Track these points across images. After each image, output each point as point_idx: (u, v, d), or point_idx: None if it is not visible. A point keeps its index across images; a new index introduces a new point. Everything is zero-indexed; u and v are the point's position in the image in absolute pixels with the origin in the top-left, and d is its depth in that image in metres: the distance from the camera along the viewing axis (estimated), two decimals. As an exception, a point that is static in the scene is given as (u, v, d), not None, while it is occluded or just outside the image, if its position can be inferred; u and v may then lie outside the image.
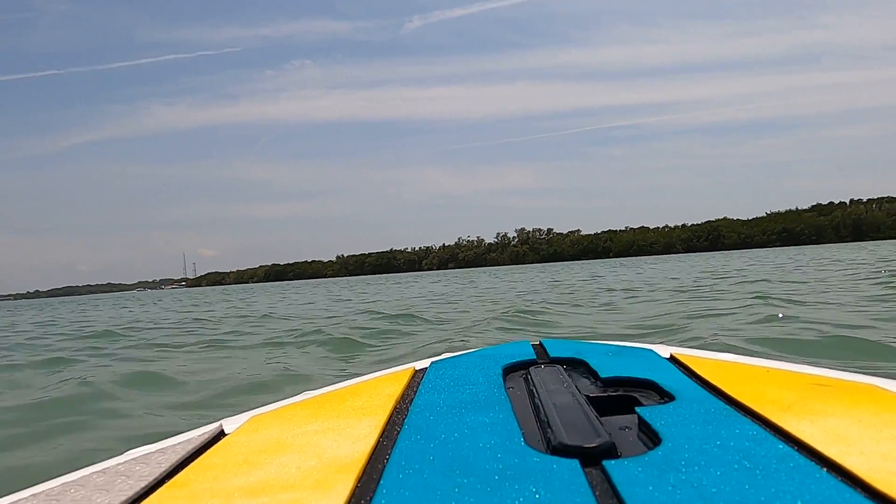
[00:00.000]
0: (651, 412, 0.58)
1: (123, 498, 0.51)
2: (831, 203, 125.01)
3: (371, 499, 0.45)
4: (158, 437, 0.76)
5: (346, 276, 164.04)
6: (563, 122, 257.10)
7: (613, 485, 0.44)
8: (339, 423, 0.64)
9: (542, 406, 0.64)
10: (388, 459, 0.52)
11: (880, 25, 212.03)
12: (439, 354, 1.04)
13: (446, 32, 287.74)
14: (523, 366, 0.86)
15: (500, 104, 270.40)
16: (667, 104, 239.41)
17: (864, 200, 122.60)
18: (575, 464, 0.47)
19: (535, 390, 0.71)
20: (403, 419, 0.63)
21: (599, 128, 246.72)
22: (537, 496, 0.43)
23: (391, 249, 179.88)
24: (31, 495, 0.56)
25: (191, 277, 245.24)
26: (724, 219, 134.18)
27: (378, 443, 0.57)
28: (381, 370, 1.01)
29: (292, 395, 0.91)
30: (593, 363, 0.81)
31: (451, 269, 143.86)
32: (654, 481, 0.43)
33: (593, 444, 0.51)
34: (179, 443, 0.67)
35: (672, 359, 0.85)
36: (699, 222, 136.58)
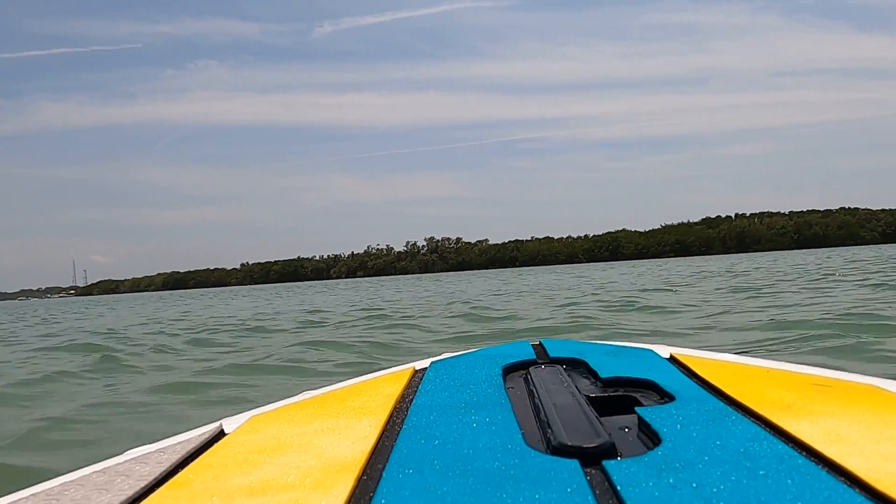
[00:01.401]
0: (651, 412, 0.58)
1: (123, 497, 0.51)
2: (719, 217, 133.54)
3: (371, 499, 0.45)
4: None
5: (250, 284, 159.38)
6: (472, 133, 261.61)
7: (613, 485, 0.44)
8: (339, 422, 0.64)
9: (542, 406, 0.63)
10: (388, 459, 0.52)
11: (762, 54, 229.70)
12: (439, 354, 1.04)
13: (357, 39, 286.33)
14: (523, 366, 0.86)
15: (411, 113, 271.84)
16: (571, 119, 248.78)
17: (748, 215, 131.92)
18: (575, 464, 0.47)
19: (535, 390, 0.71)
20: (403, 419, 0.63)
21: (507, 140, 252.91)
22: (537, 496, 0.43)
23: (298, 257, 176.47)
24: (31, 495, 0.56)
25: (81, 286, 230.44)
26: (623, 230, 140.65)
27: (378, 443, 0.57)
28: (381, 370, 1.01)
29: (292, 395, 0.91)
30: (593, 363, 0.80)
31: (360, 277, 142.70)
32: (654, 481, 0.43)
33: (593, 445, 0.51)
34: (179, 442, 0.67)
35: (672, 359, 0.85)
36: (600, 233, 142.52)
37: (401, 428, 0.60)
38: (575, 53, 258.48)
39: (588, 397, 0.67)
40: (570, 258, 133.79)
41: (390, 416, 0.65)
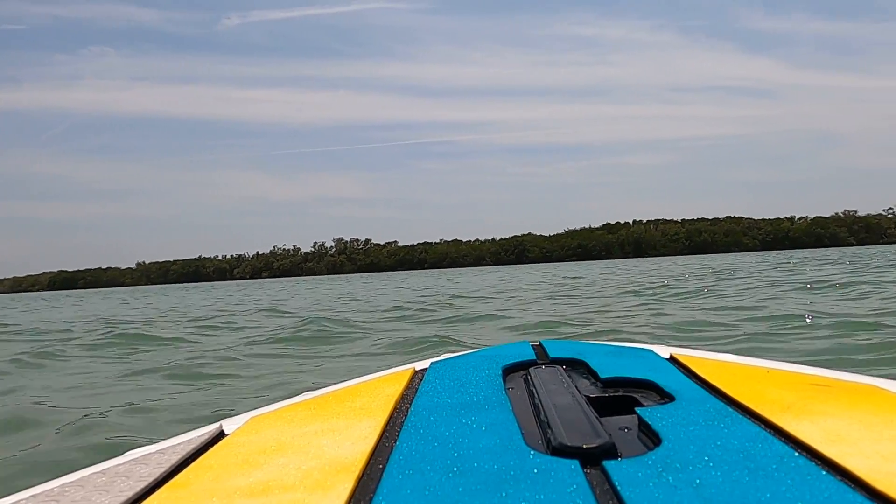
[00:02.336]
0: (651, 413, 0.58)
1: (123, 498, 0.51)
2: (618, 223, 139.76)
3: (371, 499, 0.45)
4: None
5: (147, 284, 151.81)
6: (383, 134, 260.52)
7: (613, 485, 0.44)
8: (339, 423, 0.64)
9: (542, 406, 0.63)
10: (388, 460, 0.52)
11: (660, 69, 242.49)
12: (439, 355, 1.03)
13: (267, 34, 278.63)
14: (523, 366, 0.85)
15: (322, 111, 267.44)
16: (481, 123, 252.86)
17: (644, 221, 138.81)
18: (575, 464, 0.47)
19: (535, 391, 0.71)
20: (403, 420, 0.63)
21: (419, 142, 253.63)
22: (537, 497, 0.42)
23: (200, 257, 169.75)
24: (31, 496, 0.56)
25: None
26: (529, 234, 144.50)
27: (378, 443, 0.57)
28: (381, 371, 1.01)
29: (292, 396, 0.91)
30: (593, 364, 0.80)
31: (264, 278, 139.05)
32: (655, 482, 0.43)
33: (593, 445, 0.51)
34: (179, 443, 0.67)
35: (672, 359, 0.85)
36: (507, 237, 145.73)
37: (401, 428, 0.60)
38: (485, 59, 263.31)
39: (588, 398, 0.67)
40: (478, 261, 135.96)
41: (390, 417, 0.65)
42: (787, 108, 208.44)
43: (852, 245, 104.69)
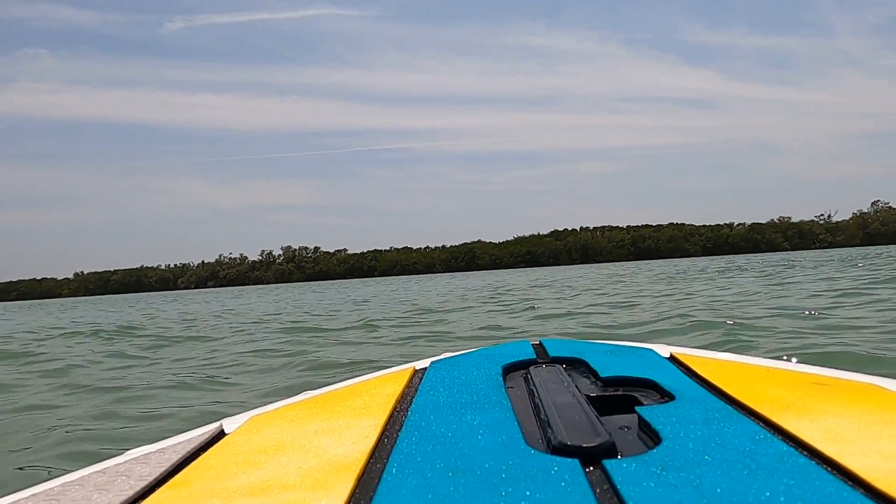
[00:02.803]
0: (651, 412, 0.58)
1: (123, 498, 0.51)
2: (566, 230, 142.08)
3: (371, 498, 0.45)
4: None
5: (86, 295, 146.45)
6: (334, 141, 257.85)
7: (614, 484, 0.44)
8: (339, 422, 0.64)
9: (543, 406, 0.63)
10: (388, 459, 0.52)
11: (607, 80, 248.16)
12: (439, 354, 1.04)
13: (213, 38, 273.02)
14: (523, 365, 0.85)
15: (271, 118, 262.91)
16: (432, 131, 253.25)
17: (591, 228, 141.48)
18: (575, 463, 0.47)
19: (535, 390, 0.71)
20: (403, 419, 0.63)
21: (370, 149, 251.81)
22: (538, 496, 0.42)
23: (142, 266, 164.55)
24: (31, 495, 0.56)
25: None
26: (479, 241, 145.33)
27: (378, 442, 0.57)
28: (381, 370, 1.01)
29: (292, 396, 0.90)
30: (593, 363, 0.80)
31: (210, 287, 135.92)
32: (655, 481, 0.43)
33: (593, 444, 0.51)
34: (179, 442, 0.67)
35: (672, 358, 0.85)
36: (457, 244, 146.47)
37: (401, 428, 0.60)
38: (436, 67, 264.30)
39: (588, 397, 0.67)
40: (428, 268, 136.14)
41: (390, 416, 0.65)
42: (728, 119, 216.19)
43: (787, 250, 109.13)
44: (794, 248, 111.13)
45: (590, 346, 0.95)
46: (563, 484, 0.44)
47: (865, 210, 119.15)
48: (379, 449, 0.56)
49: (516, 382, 0.78)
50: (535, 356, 0.88)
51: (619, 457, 0.49)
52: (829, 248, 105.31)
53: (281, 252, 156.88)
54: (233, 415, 0.78)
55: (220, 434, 0.69)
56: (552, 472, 0.46)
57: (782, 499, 0.40)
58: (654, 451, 0.49)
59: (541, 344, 0.97)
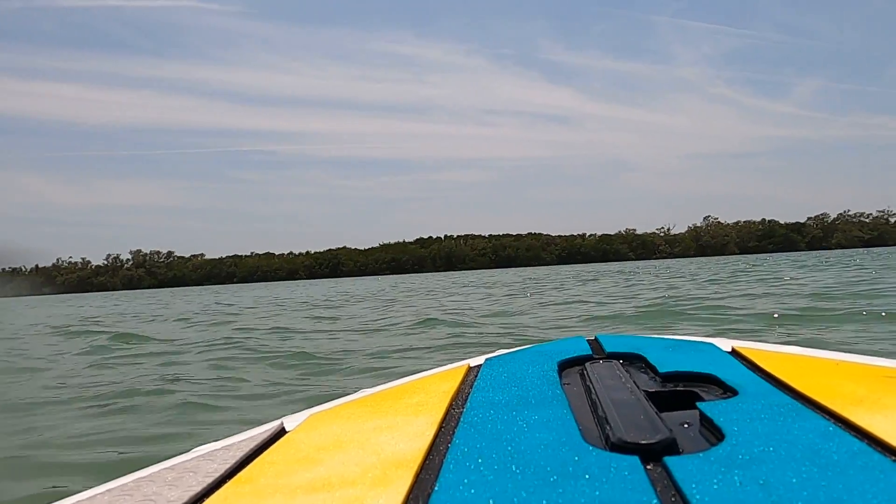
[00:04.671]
0: (713, 407, 0.57)
1: (192, 493, 0.52)
2: (430, 237, 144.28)
3: (430, 495, 0.44)
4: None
5: None
6: (195, 140, 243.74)
7: (675, 482, 0.42)
8: (396, 420, 0.65)
9: (600, 402, 0.62)
10: (445, 456, 0.52)
11: (475, 92, 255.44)
12: (493, 351, 1.03)
13: (57, 22, 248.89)
14: (579, 361, 0.84)
15: (123, 112, 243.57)
16: (300, 134, 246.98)
17: (455, 236, 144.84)
18: (635, 460, 0.46)
19: (591, 386, 0.70)
20: (460, 416, 0.63)
21: (233, 150, 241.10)
22: (597, 493, 0.41)
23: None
24: (107, 490, 0.58)
25: None
26: (344, 248, 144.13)
27: (435, 439, 0.57)
28: (435, 367, 1.01)
29: (350, 394, 0.92)
30: (651, 358, 0.79)
31: (46, 294, 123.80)
32: (719, 478, 0.42)
33: (653, 441, 0.49)
34: (243, 440, 0.68)
35: (734, 352, 0.83)
36: (322, 250, 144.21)
37: (457, 424, 0.60)
38: (305, 70, 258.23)
39: (647, 392, 0.65)
40: (291, 274, 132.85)
41: (446, 413, 0.65)
42: (585, 135, 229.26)
43: (632, 259, 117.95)
44: (638, 258, 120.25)
45: (647, 341, 0.93)
46: (622, 481, 0.43)
47: (699, 224, 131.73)
48: (436, 446, 0.56)
49: (572, 379, 0.78)
50: (590, 352, 0.87)
51: (680, 454, 0.48)
52: (668, 258, 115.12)
53: (130, 256, 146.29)
54: (293, 412, 0.80)
55: (282, 432, 0.71)
56: (611, 470, 0.45)
57: (855, 497, 0.38)
58: (717, 447, 0.48)
59: (596, 339, 0.96)
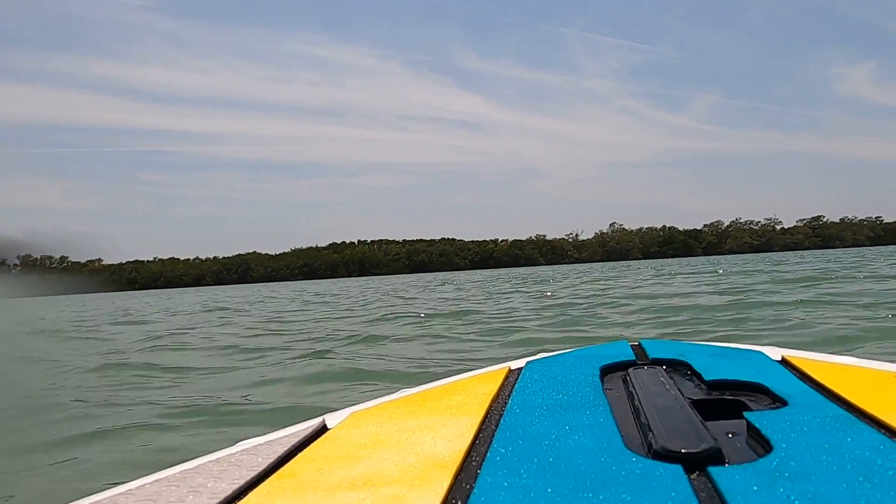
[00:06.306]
0: (761, 417, 0.55)
1: (236, 486, 0.54)
2: (344, 242, 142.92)
3: (468, 497, 0.44)
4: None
5: None
6: (94, 139, 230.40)
7: (720, 493, 0.41)
8: (435, 420, 0.65)
9: (643, 408, 0.61)
10: (484, 458, 0.52)
11: (390, 97, 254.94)
12: (534, 354, 1.02)
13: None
14: (622, 367, 0.83)
15: (9, 107, 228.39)
16: (210, 135, 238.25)
17: (369, 241, 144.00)
18: (678, 469, 0.45)
19: (634, 392, 0.69)
20: (499, 419, 0.63)
21: (137, 150, 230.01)
22: (639, 502, 0.41)
23: None
24: (155, 480, 0.60)
25: None
26: (254, 253, 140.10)
27: (474, 441, 0.57)
28: (476, 369, 1.00)
29: (391, 393, 0.92)
30: (697, 365, 0.77)
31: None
32: (766, 491, 0.41)
33: (698, 450, 0.48)
34: (286, 435, 0.69)
35: (784, 361, 0.81)
36: (230, 255, 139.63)
37: (497, 427, 0.60)
38: (215, 68, 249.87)
39: (692, 400, 0.64)
40: (197, 280, 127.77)
41: (486, 416, 0.65)
42: (498, 142, 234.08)
43: (542, 264, 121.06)
44: (548, 263, 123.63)
45: (693, 348, 0.91)
46: (665, 490, 0.42)
47: (605, 230, 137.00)
48: (475, 447, 0.56)
49: (614, 384, 0.76)
50: (634, 357, 0.86)
51: (725, 464, 0.47)
52: (576, 262, 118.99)
53: (17, 261, 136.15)
54: (335, 410, 0.81)
55: (323, 429, 0.71)
56: (653, 478, 0.44)
57: None
58: (765, 458, 0.46)
59: (640, 345, 0.94)
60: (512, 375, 0.85)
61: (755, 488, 0.41)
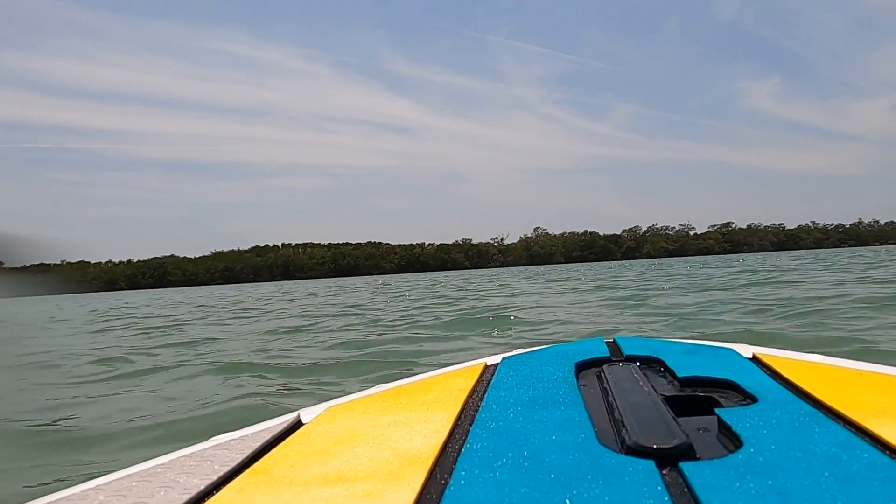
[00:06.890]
0: (731, 414, 0.56)
1: (209, 482, 0.53)
2: (267, 245, 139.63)
3: (443, 492, 0.45)
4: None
5: None
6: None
7: (691, 487, 0.42)
8: (411, 416, 0.65)
9: (617, 404, 0.62)
10: (459, 454, 0.52)
11: (316, 98, 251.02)
12: (511, 350, 1.03)
13: None
14: (596, 363, 0.84)
15: None
16: (122, 132, 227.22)
17: (293, 244, 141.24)
18: (650, 465, 0.46)
19: (608, 388, 0.70)
20: (475, 414, 0.64)
21: (42, 146, 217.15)
22: (611, 497, 0.41)
23: None
24: (126, 476, 0.59)
25: None
26: (172, 256, 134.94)
27: (450, 437, 0.58)
28: (452, 365, 1.01)
29: (367, 388, 0.93)
30: (670, 362, 0.79)
31: None
32: (735, 486, 0.42)
33: (670, 445, 0.49)
34: (260, 430, 0.69)
35: (755, 359, 0.82)
36: (146, 258, 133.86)
37: (472, 423, 0.61)
38: (127, 62, 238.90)
39: (665, 397, 0.65)
40: (110, 285, 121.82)
41: (462, 411, 0.66)
42: (425, 146, 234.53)
43: (468, 268, 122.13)
44: (474, 267, 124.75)
45: (667, 345, 0.92)
46: (637, 485, 0.43)
47: (529, 235, 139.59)
48: (450, 443, 0.56)
49: (589, 380, 0.77)
50: (608, 354, 0.87)
51: (696, 459, 0.48)
52: (502, 266, 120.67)
53: None
54: (310, 405, 0.80)
55: (298, 424, 0.71)
56: (626, 473, 0.45)
57: None
58: (735, 454, 0.47)
59: (615, 342, 0.96)
60: (488, 371, 0.85)
61: (725, 483, 0.42)
